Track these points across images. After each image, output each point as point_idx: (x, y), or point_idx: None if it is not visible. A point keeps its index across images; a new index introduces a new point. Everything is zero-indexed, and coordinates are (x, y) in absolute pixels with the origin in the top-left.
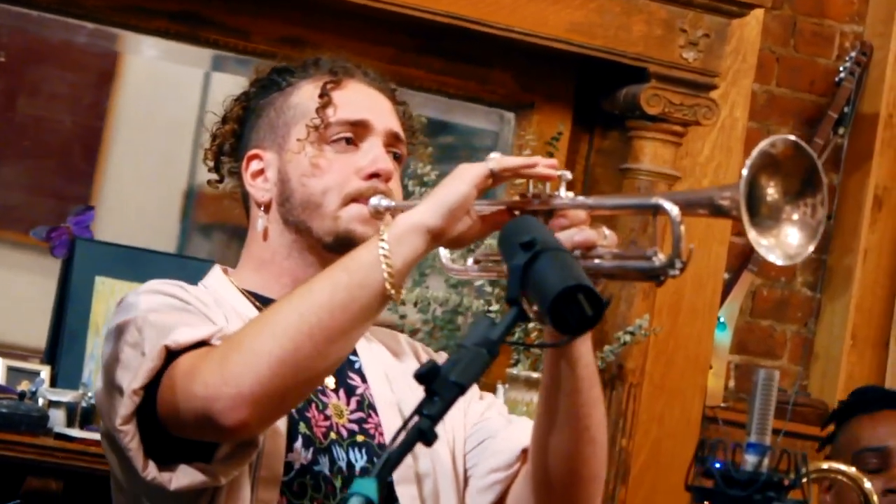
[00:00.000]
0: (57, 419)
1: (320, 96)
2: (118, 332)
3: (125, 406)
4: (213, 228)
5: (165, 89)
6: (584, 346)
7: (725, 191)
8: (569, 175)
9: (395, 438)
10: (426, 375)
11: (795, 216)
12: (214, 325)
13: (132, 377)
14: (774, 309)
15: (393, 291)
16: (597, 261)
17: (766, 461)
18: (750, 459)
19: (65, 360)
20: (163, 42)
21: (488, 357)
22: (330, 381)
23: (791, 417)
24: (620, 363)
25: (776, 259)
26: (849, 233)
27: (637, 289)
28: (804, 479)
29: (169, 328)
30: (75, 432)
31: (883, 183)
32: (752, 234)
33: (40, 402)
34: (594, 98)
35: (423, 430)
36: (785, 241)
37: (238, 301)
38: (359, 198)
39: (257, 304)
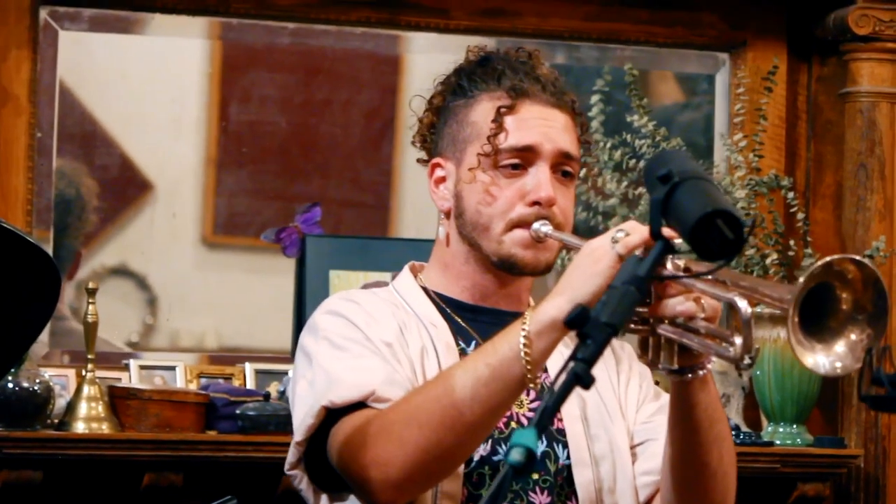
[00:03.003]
0: None
1: (493, 121)
2: (302, 355)
3: (292, 454)
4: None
5: (365, 76)
6: (702, 391)
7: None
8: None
9: (553, 385)
10: (577, 319)
11: (853, 337)
12: (372, 378)
13: (297, 426)
14: None
15: (532, 383)
16: (688, 336)
17: None
18: None
19: None
20: (364, 31)
21: (638, 294)
22: None
23: None
24: None
25: (805, 363)
26: None
27: (873, 212)
28: None
29: (332, 380)
30: None
31: None
32: (795, 334)
33: None
34: (806, 27)
35: (578, 373)
36: (829, 354)
37: (421, 303)
38: (521, 224)
39: (440, 303)
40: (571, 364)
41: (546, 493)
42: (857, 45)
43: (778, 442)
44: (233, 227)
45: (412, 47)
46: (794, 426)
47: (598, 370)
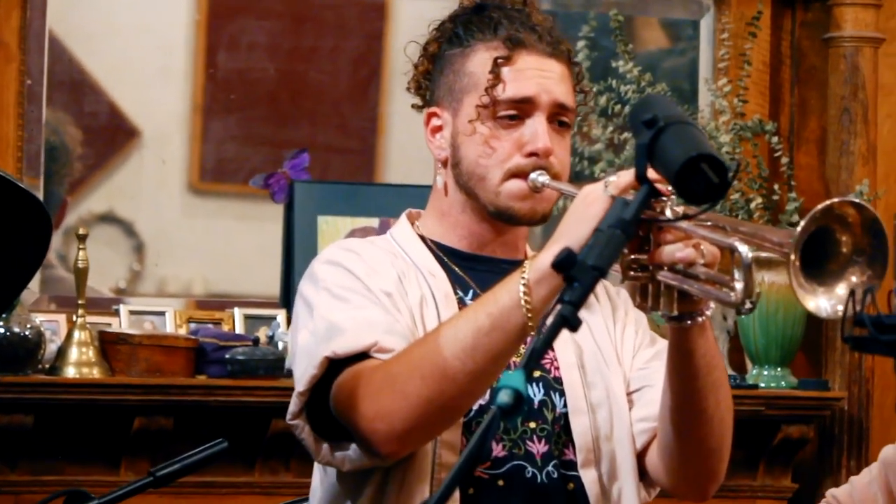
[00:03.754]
0: None
1: (491, 72)
2: (302, 304)
3: (294, 404)
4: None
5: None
6: (700, 338)
7: (792, 234)
8: (673, 198)
9: (540, 327)
10: (564, 262)
11: (854, 279)
12: (374, 329)
13: (300, 376)
14: None
15: (532, 331)
16: (688, 283)
17: None
18: None
19: None
20: None
21: (623, 237)
22: None
23: None
24: None
25: (807, 306)
26: None
27: (856, 156)
28: None
29: (334, 330)
30: None
31: None
32: (797, 278)
33: (280, 345)
34: None
35: (565, 315)
36: (831, 297)
37: (419, 252)
38: (519, 174)
39: (438, 252)
40: (559, 307)
41: (543, 441)
42: None
43: (762, 385)
44: (220, 174)
45: None
46: (779, 369)
47: (594, 317)
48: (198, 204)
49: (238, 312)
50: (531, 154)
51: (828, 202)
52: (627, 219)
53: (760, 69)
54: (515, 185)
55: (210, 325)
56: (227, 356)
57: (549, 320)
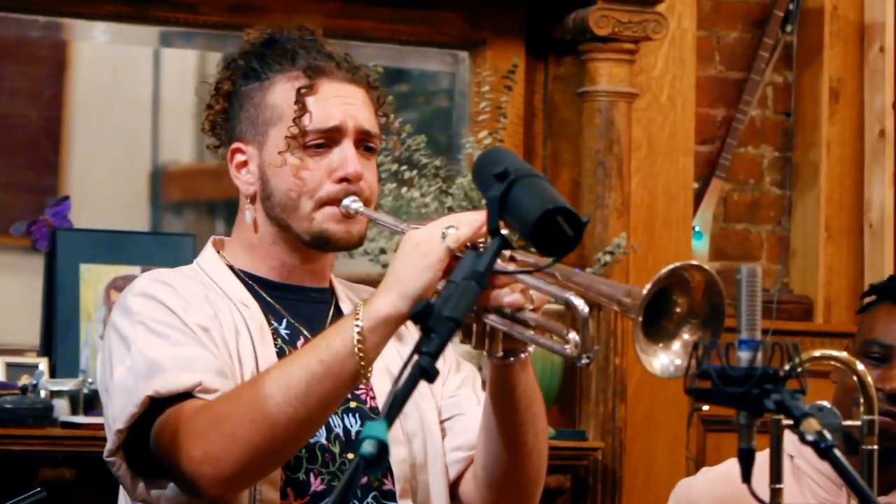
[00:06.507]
0: (61, 409)
1: (296, 102)
2: (116, 337)
3: (111, 441)
4: (183, 205)
5: (118, 72)
6: (522, 373)
7: (631, 293)
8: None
9: (398, 378)
10: (421, 314)
11: (686, 336)
12: (196, 368)
13: (118, 413)
14: (747, 212)
15: (366, 375)
16: (517, 329)
17: (759, 356)
18: (744, 356)
19: (61, 350)
20: (112, 25)
21: (478, 288)
22: None
23: (777, 316)
24: None
25: (650, 368)
26: (809, 127)
27: (611, 209)
28: (799, 369)
29: (154, 368)
30: (81, 419)
31: (836, 75)
32: (639, 339)
33: (42, 393)
34: (545, 27)
35: (424, 367)
36: (669, 354)
37: (230, 283)
38: (330, 201)
39: (249, 282)
40: (416, 357)
41: None
42: (596, 46)
43: None
44: None
45: (161, 41)
46: None
47: (405, 347)
48: None
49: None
50: (342, 180)
51: (673, 265)
52: (481, 270)
53: (515, 122)
54: (328, 211)
55: None
56: None
57: (406, 371)
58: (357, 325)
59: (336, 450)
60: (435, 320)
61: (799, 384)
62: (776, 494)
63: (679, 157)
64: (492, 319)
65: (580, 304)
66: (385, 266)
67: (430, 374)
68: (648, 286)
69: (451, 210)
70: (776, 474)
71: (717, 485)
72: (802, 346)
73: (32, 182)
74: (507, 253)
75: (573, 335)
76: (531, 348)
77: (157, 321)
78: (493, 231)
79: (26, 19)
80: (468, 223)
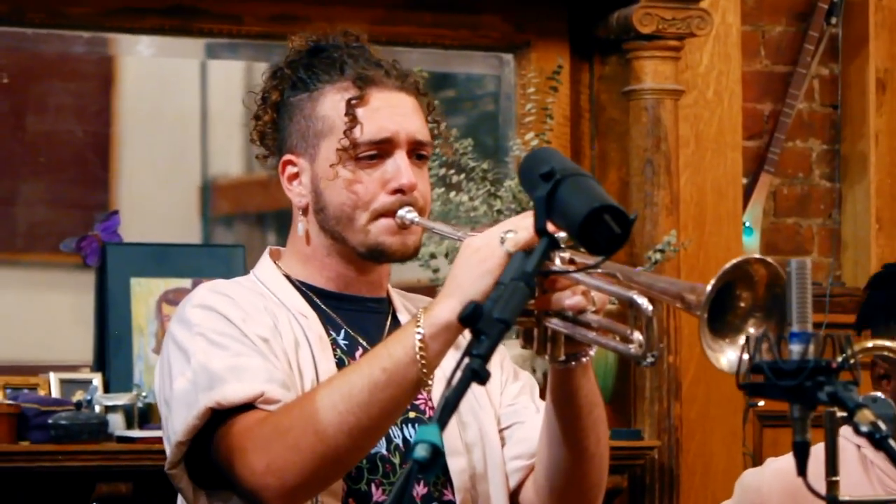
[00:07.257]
0: (116, 423)
1: (346, 114)
2: (175, 350)
3: (172, 454)
4: (233, 218)
5: (164, 85)
6: (583, 378)
7: (695, 289)
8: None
9: (450, 381)
10: (471, 316)
11: (752, 330)
12: (258, 379)
13: (179, 426)
14: (797, 205)
15: (428, 383)
16: (579, 331)
17: (811, 348)
18: (795, 349)
19: (114, 364)
20: (157, 39)
21: (527, 290)
22: None
23: (829, 309)
24: None
25: (718, 364)
26: (857, 119)
27: (660, 207)
28: (851, 360)
29: (215, 379)
30: (136, 433)
31: (883, 65)
32: (705, 336)
33: (97, 409)
34: (589, 27)
35: (474, 369)
36: (735, 349)
37: (287, 293)
38: (385, 213)
39: (306, 292)
40: (467, 360)
41: (422, 483)
42: (641, 44)
43: None
44: (32, 239)
45: (207, 53)
46: None
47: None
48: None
49: (53, 377)
50: (396, 191)
51: (738, 259)
52: (530, 271)
53: (561, 122)
54: (384, 223)
55: (26, 391)
56: (49, 421)
57: (458, 374)
58: (418, 333)
59: (396, 460)
60: (485, 322)
61: (852, 376)
62: (832, 487)
63: (727, 152)
64: (554, 323)
65: (644, 302)
66: (435, 271)
67: (482, 376)
68: (713, 282)
69: (499, 213)
70: (832, 466)
71: (785, 476)
72: (855, 339)
73: (81, 198)
74: (566, 255)
75: (637, 335)
76: (592, 352)
77: (216, 332)
78: (541, 231)
79: (70, 35)
80: (526, 227)
